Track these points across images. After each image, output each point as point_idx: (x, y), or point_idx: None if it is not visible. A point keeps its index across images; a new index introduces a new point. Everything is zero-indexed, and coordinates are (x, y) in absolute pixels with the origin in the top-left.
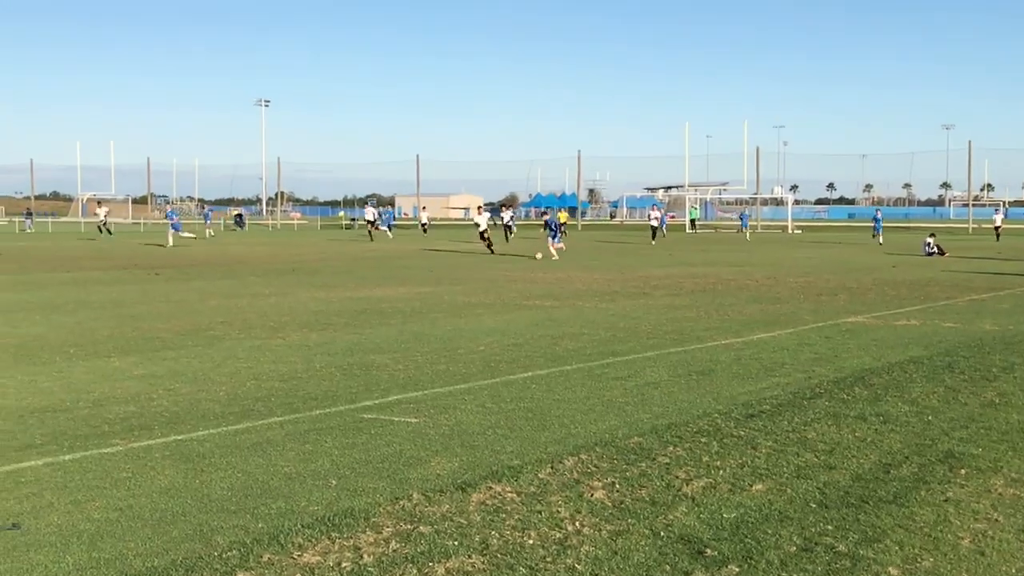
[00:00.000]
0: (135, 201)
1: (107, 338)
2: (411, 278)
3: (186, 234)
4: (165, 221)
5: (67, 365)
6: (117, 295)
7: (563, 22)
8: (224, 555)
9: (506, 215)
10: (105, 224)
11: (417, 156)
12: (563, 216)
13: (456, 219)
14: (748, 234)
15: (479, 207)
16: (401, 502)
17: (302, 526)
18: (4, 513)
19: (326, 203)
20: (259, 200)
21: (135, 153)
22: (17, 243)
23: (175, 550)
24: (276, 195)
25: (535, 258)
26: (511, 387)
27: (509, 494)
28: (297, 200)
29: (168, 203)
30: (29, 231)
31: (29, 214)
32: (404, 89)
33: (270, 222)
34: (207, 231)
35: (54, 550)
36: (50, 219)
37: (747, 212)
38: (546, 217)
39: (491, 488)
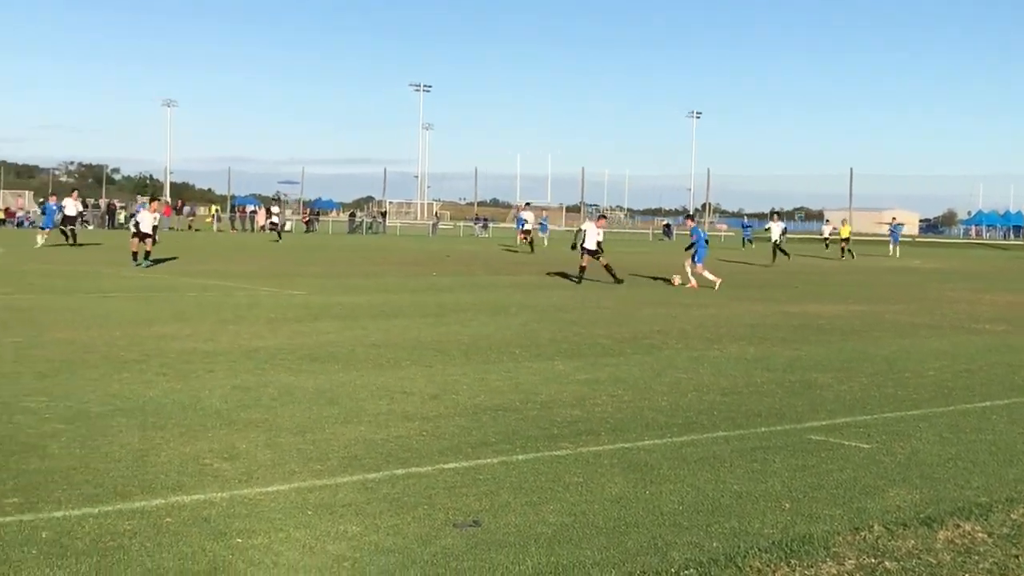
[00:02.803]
0: (568, 209)
1: (549, 341)
2: (850, 295)
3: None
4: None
5: (514, 365)
6: (557, 299)
7: None
8: (681, 572)
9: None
10: (276, 227)
11: (851, 169)
12: (845, 231)
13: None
14: None
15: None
16: (862, 533)
17: (758, 549)
18: (465, 509)
19: (752, 215)
20: (685, 211)
21: (570, 163)
22: (464, 247)
23: (631, 562)
24: (703, 206)
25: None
26: (969, 416)
27: (979, 534)
28: (723, 212)
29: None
30: (480, 236)
31: (479, 220)
32: (838, 101)
33: None
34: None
35: (513, 551)
36: (490, 224)
37: None
38: (689, 225)
39: (959, 526)
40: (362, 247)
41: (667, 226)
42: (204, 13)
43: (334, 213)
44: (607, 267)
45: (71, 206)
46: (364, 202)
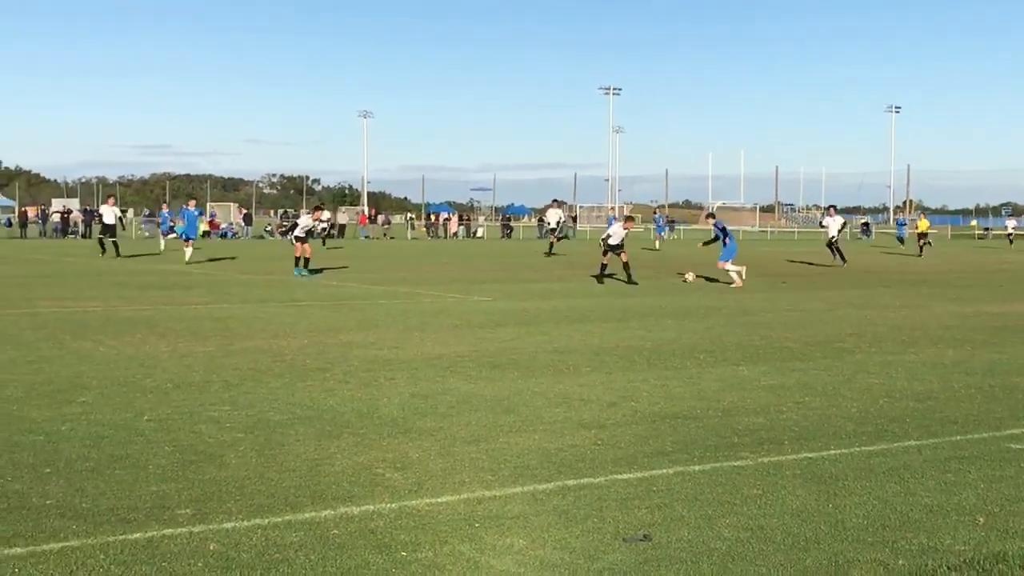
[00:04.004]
0: (762, 209)
1: (735, 345)
2: None
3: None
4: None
5: (697, 371)
6: (745, 302)
7: None
8: None
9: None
10: (326, 232)
11: None
12: (924, 224)
13: None
14: None
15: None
16: None
17: (948, 568)
18: (636, 522)
19: (955, 212)
20: (885, 208)
21: (764, 162)
22: (652, 249)
23: None
24: (904, 203)
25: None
26: None
27: None
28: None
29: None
30: (668, 238)
31: (671, 222)
32: None
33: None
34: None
35: (684, 567)
36: (681, 227)
37: None
38: (710, 222)
39: None
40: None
41: (866, 224)
42: (398, 30)
43: (525, 219)
44: (625, 265)
45: (109, 213)
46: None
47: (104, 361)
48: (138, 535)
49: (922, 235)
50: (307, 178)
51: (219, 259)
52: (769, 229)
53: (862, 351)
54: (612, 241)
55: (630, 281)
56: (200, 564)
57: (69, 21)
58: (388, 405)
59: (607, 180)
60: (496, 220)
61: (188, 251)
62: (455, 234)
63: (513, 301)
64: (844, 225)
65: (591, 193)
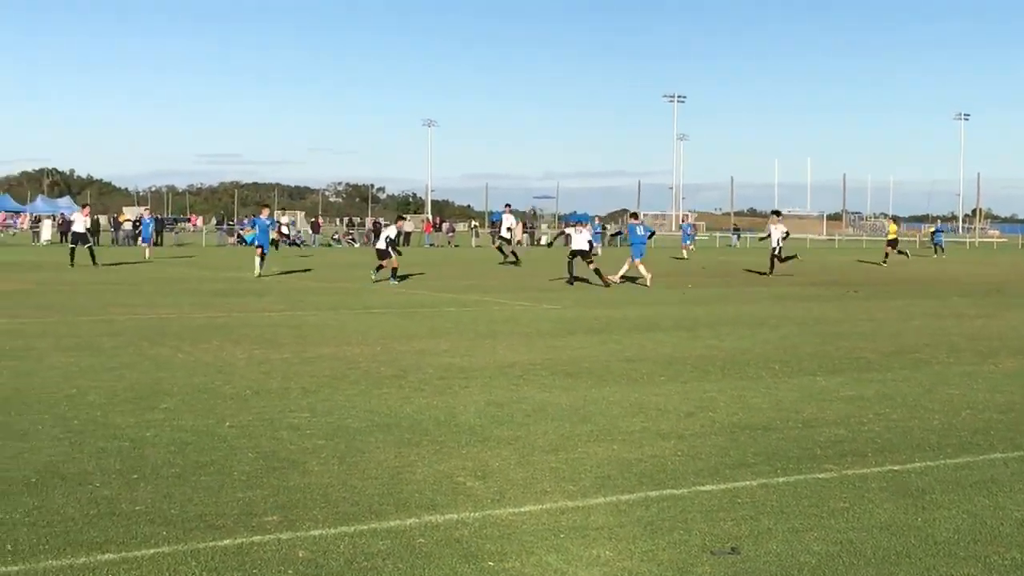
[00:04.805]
0: (829, 218)
1: (811, 355)
2: None
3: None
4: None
5: (774, 382)
6: (818, 312)
7: None
8: None
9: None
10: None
11: None
12: (892, 229)
13: None
14: None
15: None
16: None
17: None
18: (723, 535)
19: None
20: (954, 217)
21: (831, 169)
22: (718, 258)
23: None
24: (974, 211)
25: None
26: None
27: None
28: (995, 217)
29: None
30: (734, 246)
31: (736, 230)
32: None
33: (967, 240)
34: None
35: None
36: (748, 235)
37: None
38: (632, 222)
39: None
40: (614, 259)
41: (936, 232)
42: (462, 38)
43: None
44: (597, 271)
45: (79, 222)
46: (618, 215)
47: (183, 367)
48: (227, 542)
49: (891, 242)
50: (372, 186)
51: (294, 271)
52: (836, 237)
53: (940, 362)
54: (577, 246)
55: (605, 284)
56: (291, 572)
57: (142, 34)
58: (465, 413)
59: (671, 188)
60: (559, 228)
61: (257, 261)
62: (519, 242)
63: (582, 309)
64: (787, 234)
65: (656, 201)
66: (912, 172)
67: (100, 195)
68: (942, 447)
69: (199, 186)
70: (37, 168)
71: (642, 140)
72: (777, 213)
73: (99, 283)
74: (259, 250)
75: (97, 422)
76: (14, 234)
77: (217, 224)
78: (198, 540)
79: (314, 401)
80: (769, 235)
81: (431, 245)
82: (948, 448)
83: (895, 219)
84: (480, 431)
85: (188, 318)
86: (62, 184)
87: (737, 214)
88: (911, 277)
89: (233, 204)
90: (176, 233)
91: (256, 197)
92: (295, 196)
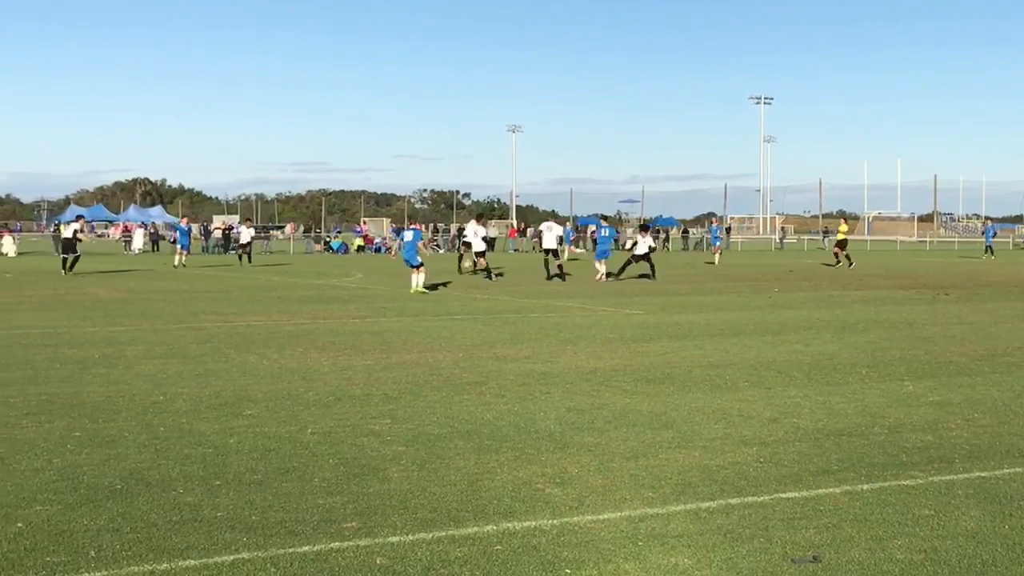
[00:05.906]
0: (920, 219)
1: (899, 360)
2: None
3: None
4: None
5: (860, 387)
6: (907, 315)
7: None
8: None
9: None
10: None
11: None
12: (843, 230)
13: None
14: None
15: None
16: None
17: None
18: (804, 543)
19: None
20: None
21: (921, 170)
22: (807, 261)
23: None
24: None
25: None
26: None
27: None
28: None
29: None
30: (824, 248)
31: (825, 232)
32: None
33: None
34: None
35: None
36: (824, 237)
37: None
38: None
39: None
40: (697, 264)
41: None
42: (546, 44)
43: (673, 230)
44: (559, 267)
45: (68, 229)
46: (705, 218)
47: (268, 374)
48: (307, 548)
49: (840, 243)
50: (457, 192)
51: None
52: (928, 239)
53: None
54: (547, 244)
55: (562, 276)
56: None
57: (231, 47)
58: (545, 419)
59: (758, 191)
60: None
61: (415, 278)
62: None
63: (666, 314)
64: (652, 249)
65: (742, 204)
66: (1006, 172)
67: (191, 204)
68: None
69: (287, 194)
70: (130, 178)
71: (728, 142)
72: (644, 227)
73: (190, 291)
74: (417, 269)
75: (182, 429)
76: (115, 240)
77: (305, 232)
78: (278, 546)
79: (395, 407)
80: (634, 245)
81: (515, 250)
82: None
83: (846, 219)
84: (560, 437)
85: (275, 325)
86: (154, 194)
87: (826, 216)
88: (1005, 279)
89: (321, 211)
90: (267, 242)
91: (343, 204)
92: (381, 203)
